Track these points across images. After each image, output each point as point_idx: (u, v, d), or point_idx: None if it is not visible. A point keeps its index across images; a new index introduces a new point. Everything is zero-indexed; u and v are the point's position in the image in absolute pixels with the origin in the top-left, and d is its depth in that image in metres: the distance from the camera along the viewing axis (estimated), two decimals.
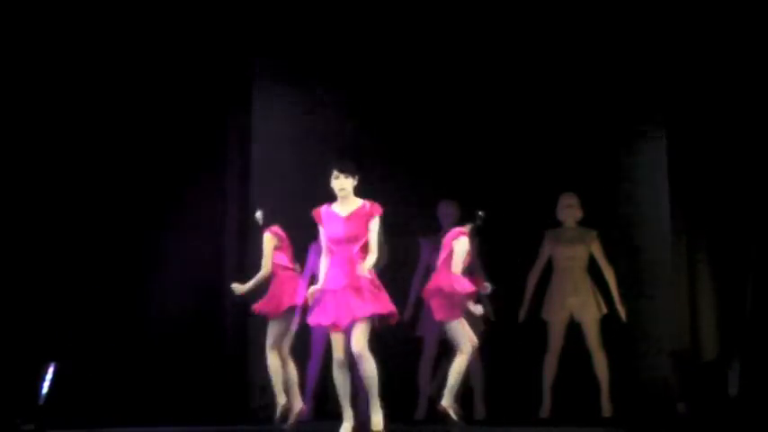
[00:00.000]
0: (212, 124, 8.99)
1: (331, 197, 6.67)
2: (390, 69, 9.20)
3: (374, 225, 6.63)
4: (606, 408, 8.50)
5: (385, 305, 6.58)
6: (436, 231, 8.42)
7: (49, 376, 7.75)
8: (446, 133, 9.24)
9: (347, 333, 6.58)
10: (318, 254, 7.95)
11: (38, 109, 8.39)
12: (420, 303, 8.61)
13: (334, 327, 6.60)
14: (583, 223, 8.74)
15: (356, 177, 6.65)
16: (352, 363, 6.61)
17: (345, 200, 6.67)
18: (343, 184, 6.63)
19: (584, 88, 9.20)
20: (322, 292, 6.62)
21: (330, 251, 6.70)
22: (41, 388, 7.73)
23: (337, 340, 6.61)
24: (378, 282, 6.63)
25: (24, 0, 8.31)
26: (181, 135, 8.84)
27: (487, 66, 9.21)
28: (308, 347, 8.46)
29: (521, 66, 9.19)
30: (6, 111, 8.23)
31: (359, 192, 6.70)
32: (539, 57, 9.16)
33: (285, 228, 7.66)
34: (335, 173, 6.63)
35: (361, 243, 6.61)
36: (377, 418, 6.57)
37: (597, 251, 8.68)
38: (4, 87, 8.20)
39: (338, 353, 6.59)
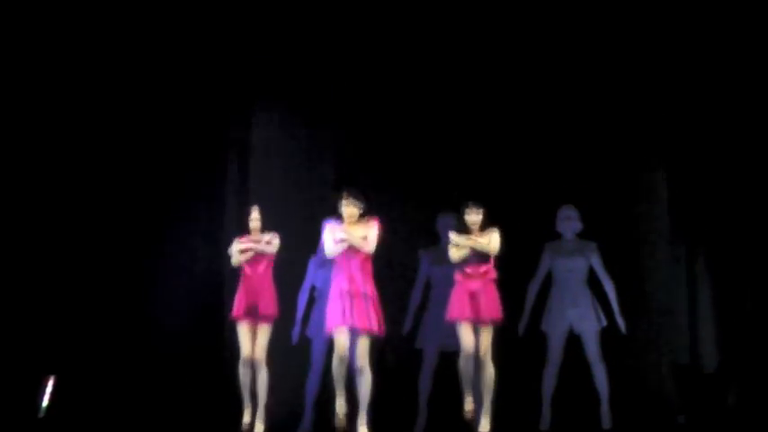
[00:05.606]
0: (212, 138, 9.03)
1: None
2: (391, 82, 9.20)
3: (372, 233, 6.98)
4: (606, 420, 8.49)
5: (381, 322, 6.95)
6: (436, 244, 8.43)
7: (48, 389, 7.77)
8: (445, 146, 9.24)
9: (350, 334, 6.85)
10: (318, 266, 8.02)
11: (41, 117, 8.48)
12: (420, 315, 8.64)
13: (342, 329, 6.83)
14: (582, 236, 8.75)
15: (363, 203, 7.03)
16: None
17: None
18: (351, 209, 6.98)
19: (583, 102, 9.20)
20: (330, 298, 6.92)
21: (334, 261, 6.99)
22: (41, 401, 7.75)
23: (342, 338, 6.78)
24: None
25: (29, 9, 8.41)
26: (181, 148, 8.90)
27: (487, 77, 9.20)
28: (309, 359, 8.47)
29: (520, 80, 9.18)
30: (10, 119, 8.32)
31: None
32: (540, 72, 9.15)
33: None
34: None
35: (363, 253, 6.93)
36: (363, 429, 6.81)
37: (596, 263, 8.67)
38: (10, 98, 8.29)
39: (343, 351, 6.78)
